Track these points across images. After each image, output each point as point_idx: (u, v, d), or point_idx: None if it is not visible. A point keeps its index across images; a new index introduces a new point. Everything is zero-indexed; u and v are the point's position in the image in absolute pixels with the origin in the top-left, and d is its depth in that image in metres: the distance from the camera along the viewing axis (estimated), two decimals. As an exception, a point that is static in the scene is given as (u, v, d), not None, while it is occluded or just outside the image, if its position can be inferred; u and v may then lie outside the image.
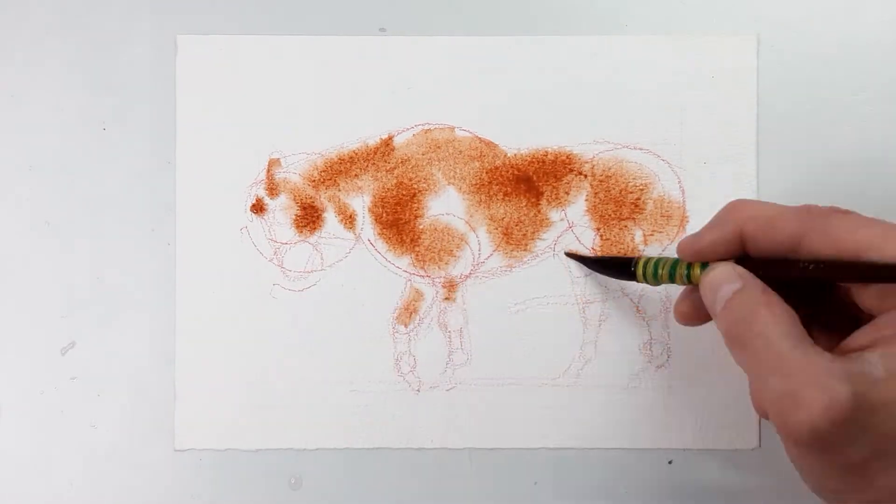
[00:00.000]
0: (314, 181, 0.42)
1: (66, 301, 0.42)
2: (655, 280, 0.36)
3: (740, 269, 0.32)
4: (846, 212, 0.31)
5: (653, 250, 0.42)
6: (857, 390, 0.27)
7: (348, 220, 0.42)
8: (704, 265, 0.34)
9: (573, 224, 0.42)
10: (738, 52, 0.42)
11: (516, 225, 0.42)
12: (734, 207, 0.34)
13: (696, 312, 0.36)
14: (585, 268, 0.41)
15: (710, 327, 0.41)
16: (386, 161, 0.42)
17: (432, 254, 0.42)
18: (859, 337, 0.30)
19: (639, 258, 0.37)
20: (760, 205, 0.33)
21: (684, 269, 0.35)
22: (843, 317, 0.32)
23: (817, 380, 0.27)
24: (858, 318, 0.31)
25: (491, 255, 0.42)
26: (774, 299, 0.30)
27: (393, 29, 0.42)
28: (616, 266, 0.39)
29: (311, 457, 0.42)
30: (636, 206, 0.42)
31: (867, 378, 0.27)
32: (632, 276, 0.38)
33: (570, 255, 0.41)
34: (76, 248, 0.42)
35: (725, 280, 0.32)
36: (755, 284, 0.31)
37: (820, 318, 0.33)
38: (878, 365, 0.28)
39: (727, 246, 0.33)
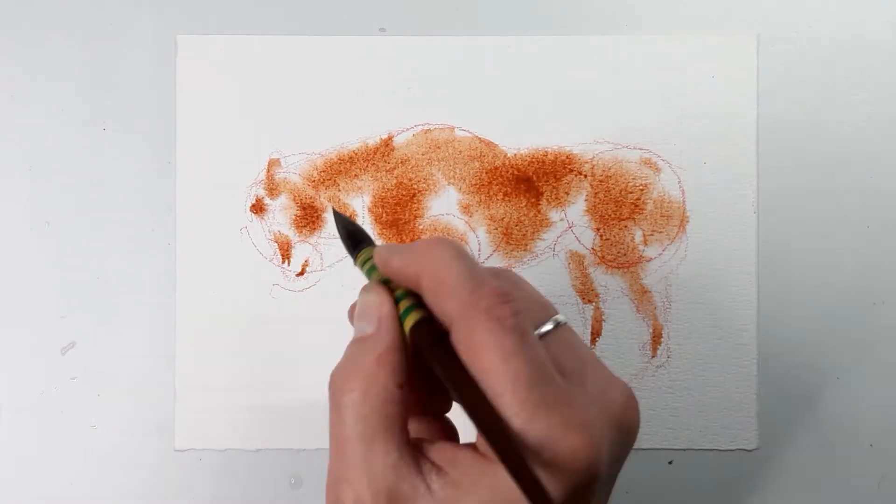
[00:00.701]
0: (314, 181, 0.42)
1: (66, 301, 0.42)
2: (367, 276, 0.31)
3: (387, 309, 0.28)
4: (499, 315, 0.25)
5: (653, 250, 0.42)
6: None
7: (348, 220, 0.42)
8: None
9: (573, 224, 0.42)
10: (739, 52, 0.42)
11: (516, 225, 0.42)
12: (428, 249, 0.28)
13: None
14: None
15: (710, 330, 0.42)
16: (386, 161, 0.42)
17: (432, 254, 0.42)
18: (441, 450, 0.27)
19: (366, 251, 0.31)
20: (448, 261, 0.27)
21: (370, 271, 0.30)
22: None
23: (358, 478, 0.26)
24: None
25: (491, 255, 0.42)
26: (383, 373, 0.27)
27: (393, 29, 0.42)
28: (351, 243, 0.33)
29: (311, 457, 0.42)
30: (636, 206, 0.42)
31: (400, 496, 0.25)
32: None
33: (336, 214, 0.34)
34: (76, 248, 0.42)
35: (365, 313, 0.29)
36: (380, 342, 0.28)
37: None
38: (429, 498, 0.25)
39: (408, 283, 0.28)
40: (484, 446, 0.26)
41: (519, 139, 0.42)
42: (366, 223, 0.42)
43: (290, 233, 0.42)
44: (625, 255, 0.42)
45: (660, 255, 0.42)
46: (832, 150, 0.42)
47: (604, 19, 0.42)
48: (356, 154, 0.42)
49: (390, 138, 0.42)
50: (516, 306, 0.26)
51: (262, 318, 0.42)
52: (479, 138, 0.42)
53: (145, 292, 0.42)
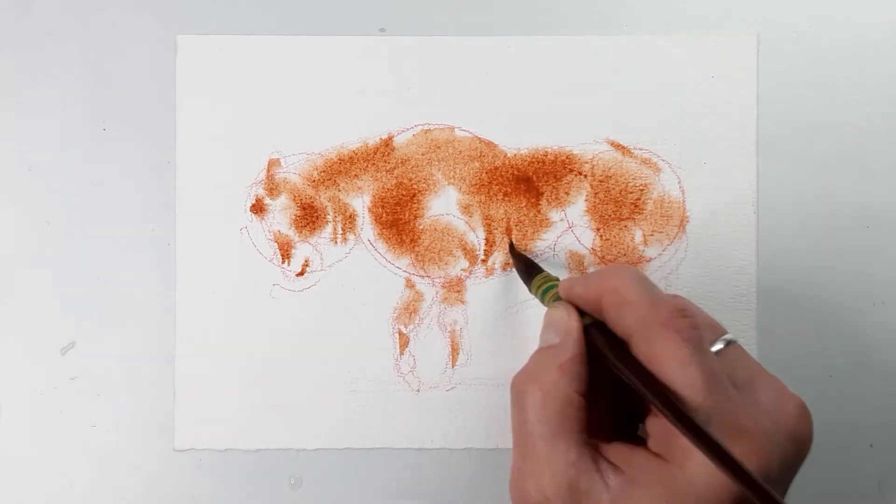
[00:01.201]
0: (314, 181, 0.42)
1: (66, 301, 0.42)
2: (541, 299, 0.36)
3: (574, 323, 0.31)
4: (677, 326, 0.28)
5: (653, 250, 0.42)
6: (574, 499, 0.27)
7: (348, 220, 0.42)
8: None
9: (573, 224, 0.42)
10: (738, 52, 0.42)
11: (516, 225, 0.42)
12: (609, 273, 0.32)
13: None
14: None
15: (710, 327, 0.42)
16: (386, 161, 0.42)
17: (432, 254, 0.42)
18: (617, 450, 0.29)
19: (539, 278, 0.37)
20: (628, 282, 0.30)
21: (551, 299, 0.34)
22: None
23: (543, 471, 0.28)
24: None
25: (491, 255, 0.42)
26: (566, 380, 0.29)
27: (393, 29, 0.42)
28: (526, 273, 0.39)
29: (311, 457, 0.42)
30: (636, 206, 0.42)
31: (593, 490, 0.28)
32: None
33: (512, 249, 0.41)
34: (76, 248, 0.42)
35: (551, 326, 0.32)
36: (563, 353, 0.30)
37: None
38: (606, 494, 0.27)
39: (589, 306, 0.32)
40: (657, 446, 0.28)
41: (519, 139, 0.42)
42: (366, 223, 0.42)
43: (290, 233, 0.42)
44: (625, 255, 0.42)
45: (660, 255, 0.42)
46: (832, 150, 0.42)
47: (604, 19, 0.42)
48: (356, 154, 0.42)
49: (390, 138, 0.42)
50: (694, 321, 0.28)
51: (262, 319, 0.42)
52: (479, 138, 0.42)
53: (145, 292, 0.42)
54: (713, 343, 0.30)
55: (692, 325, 0.28)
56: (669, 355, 0.27)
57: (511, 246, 0.41)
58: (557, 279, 0.36)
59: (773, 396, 0.29)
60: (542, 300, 0.36)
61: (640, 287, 0.30)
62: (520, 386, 0.31)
